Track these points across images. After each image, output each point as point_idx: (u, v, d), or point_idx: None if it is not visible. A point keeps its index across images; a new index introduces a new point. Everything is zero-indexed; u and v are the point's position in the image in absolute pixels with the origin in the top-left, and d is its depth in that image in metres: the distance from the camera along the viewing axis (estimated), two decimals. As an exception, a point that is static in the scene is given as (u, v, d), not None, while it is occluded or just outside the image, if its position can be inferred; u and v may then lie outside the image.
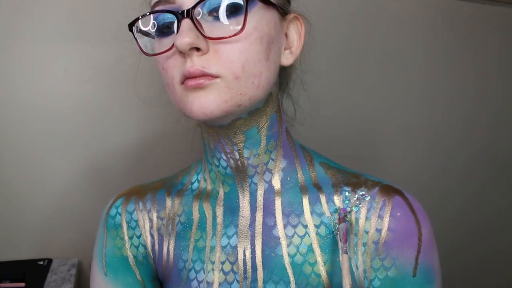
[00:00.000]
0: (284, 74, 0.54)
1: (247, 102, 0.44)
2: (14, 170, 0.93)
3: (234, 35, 0.41)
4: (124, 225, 0.55)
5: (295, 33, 0.49)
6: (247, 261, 0.50)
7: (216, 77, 0.42)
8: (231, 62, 0.42)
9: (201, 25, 0.42)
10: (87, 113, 0.95)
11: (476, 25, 1.30)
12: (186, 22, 0.41)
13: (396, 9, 1.19)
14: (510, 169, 1.45)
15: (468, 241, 1.42)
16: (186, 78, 0.42)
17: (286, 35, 0.48)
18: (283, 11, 0.47)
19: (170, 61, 0.44)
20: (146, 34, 0.46)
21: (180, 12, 0.41)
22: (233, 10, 0.42)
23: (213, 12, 0.42)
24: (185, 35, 0.40)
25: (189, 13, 0.41)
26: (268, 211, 0.51)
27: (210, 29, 0.42)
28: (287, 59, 0.49)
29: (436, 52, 1.27)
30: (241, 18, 0.41)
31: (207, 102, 0.42)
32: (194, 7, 0.41)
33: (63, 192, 0.96)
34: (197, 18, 0.42)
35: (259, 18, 0.43)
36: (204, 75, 0.41)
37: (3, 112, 0.90)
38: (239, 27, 0.41)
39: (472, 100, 1.34)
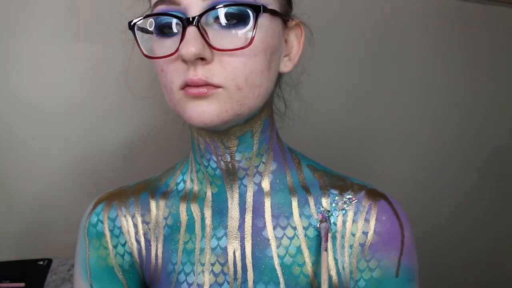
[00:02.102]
0: (278, 77, 0.54)
1: (246, 111, 0.44)
2: (14, 169, 0.93)
3: (242, 48, 0.40)
4: (107, 234, 0.53)
5: (295, 39, 0.49)
6: (237, 262, 0.50)
7: (218, 87, 0.41)
8: (235, 74, 0.41)
9: (207, 34, 0.41)
10: (85, 112, 0.95)
11: (473, 25, 1.30)
12: (192, 30, 0.40)
13: (391, 9, 1.19)
14: (504, 168, 1.45)
15: (462, 241, 1.43)
16: (188, 85, 0.42)
17: (285, 41, 0.48)
18: (286, 19, 0.47)
19: (171, 65, 0.43)
20: (144, 30, 0.45)
21: (186, 18, 0.40)
22: (240, 19, 0.41)
23: (219, 19, 0.41)
24: (191, 45, 0.39)
25: (196, 21, 0.40)
26: (258, 212, 0.51)
27: (216, 37, 0.41)
28: (285, 66, 0.49)
29: (431, 51, 1.26)
30: (249, 29, 0.41)
31: (207, 111, 0.41)
32: (201, 15, 0.40)
33: (63, 191, 0.96)
34: (204, 26, 0.41)
35: (266, 29, 0.43)
36: (207, 84, 0.41)
37: (3, 111, 0.90)
38: (247, 40, 0.40)
39: (467, 100, 1.34)
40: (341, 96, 1.17)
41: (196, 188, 0.53)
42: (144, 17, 0.44)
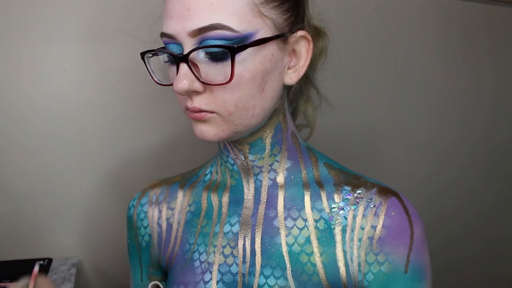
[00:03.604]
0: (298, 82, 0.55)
1: (243, 129, 0.48)
2: (14, 169, 0.93)
3: (224, 83, 0.43)
4: (135, 217, 0.63)
5: (304, 49, 0.49)
6: (246, 246, 0.54)
7: (212, 112, 0.46)
8: (224, 102, 0.45)
9: (197, 68, 0.45)
10: (87, 113, 0.95)
11: (473, 25, 1.30)
12: (183, 67, 0.44)
13: (391, 7, 1.19)
14: (506, 163, 1.46)
15: (465, 234, 1.44)
16: (188, 110, 0.47)
17: (293, 50, 0.49)
18: (286, 36, 0.47)
19: None
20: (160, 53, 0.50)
21: (178, 57, 0.44)
22: (223, 54, 0.43)
23: (208, 54, 0.44)
24: (181, 81, 0.44)
25: (186, 58, 0.43)
26: (271, 204, 0.54)
27: (206, 70, 0.45)
28: (290, 79, 0.50)
29: (433, 50, 1.27)
30: (228, 67, 0.43)
31: (206, 131, 0.48)
32: (188, 54, 0.43)
33: (63, 191, 0.96)
34: (194, 61, 0.45)
35: (252, 58, 0.44)
36: (202, 111, 0.46)
37: (3, 111, 0.90)
38: (229, 75, 0.43)
39: (468, 96, 1.35)
40: (342, 96, 1.17)
41: (219, 179, 0.58)
42: (147, 52, 0.49)
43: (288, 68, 0.49)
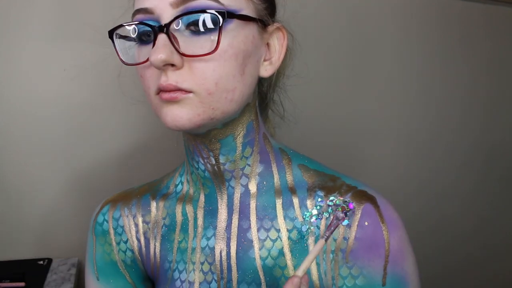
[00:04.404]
0: (267, 81, 0.53)
1: (219, 115, 0.45)
2: (14, 169, 0.93)
3: (208, 54, 0.41)
4: (111, 232, 0.58)
5: (277, 43, 0.49)
6: (223, 262, 0.52)
7: (189, 92, 0.42)
8: (205, 79, 0.42)
9: (177, 40, 0.42)
10: (84, 113, 0.95)
11: (472, 23, 1.30)
12: (162, 37, 0.41)
13: (391, 8, 1.19)
14: (506, 163, 1.46)
15: (465, 235, 1.43)
16: (161, 90, 0.43)
17: (268, 44, 0.48)
18: (264, 24, 0.47)
19: (147, 71, 0.44)
20: (127, 38, 0.46)
21: (157, 26, 0.41)
22: (208, 25, 0.41)
23: (190, 26, 0.42)
24: (159, 52, 0.40)
25: (166, 28, 0.41)
26: (244, 214, 0.51)
27: (185, 44, 0.42)
28: (266, 71, 0.49)
29: (430, 51, 1.27)
30: (215, 35, 0.41)
31: (179, 115, 0.43)
32: (170, 22, 0.41)
33: (63, 191, 0.96)
34: (173, 33, 0.42)
35: (236, 34, 0.43)
36: (178, 89, 0.42)
37: (3, 111, 0.90)
38: (214, 46, 0.41)
39: (468, 96, 1.35)
40: (342, 96, 1.17)
41: (191, 190, 0.55)
42: (119, 26, 0.45)
43: (264, 60, 0.48)
